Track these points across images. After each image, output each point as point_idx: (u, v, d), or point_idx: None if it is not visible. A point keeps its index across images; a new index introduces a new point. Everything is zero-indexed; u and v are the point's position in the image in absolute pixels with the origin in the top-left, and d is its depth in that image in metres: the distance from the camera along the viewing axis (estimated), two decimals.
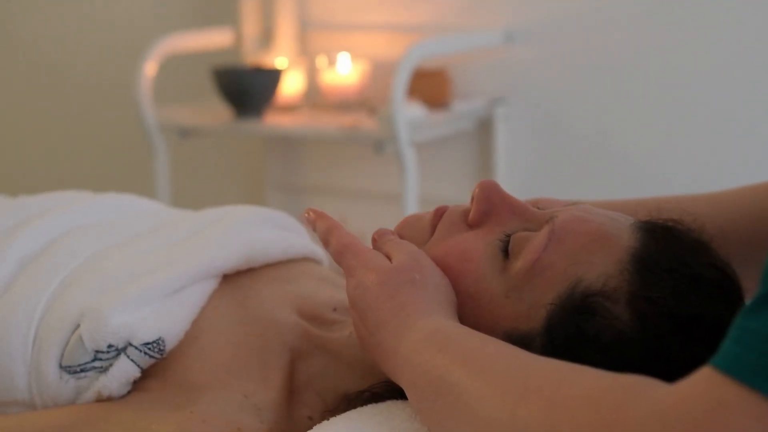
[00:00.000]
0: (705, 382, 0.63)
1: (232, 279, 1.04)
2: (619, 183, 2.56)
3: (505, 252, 0.86)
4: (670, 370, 0.72)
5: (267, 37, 2.87)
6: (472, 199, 0.90)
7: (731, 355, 0.63)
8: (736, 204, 0.97)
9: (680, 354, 0.79)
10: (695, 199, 0.99)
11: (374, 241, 0.92)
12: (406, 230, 0.92)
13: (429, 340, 0.80)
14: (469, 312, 0.85)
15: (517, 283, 0.84)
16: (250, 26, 2.86)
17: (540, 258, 0.84)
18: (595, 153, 2.60)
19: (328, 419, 0.89)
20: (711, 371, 0.63)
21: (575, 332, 0.80)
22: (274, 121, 2.64)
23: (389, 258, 0.88)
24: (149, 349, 0.95)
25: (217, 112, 2.72)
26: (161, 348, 0.96)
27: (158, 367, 0.97)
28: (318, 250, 1.15)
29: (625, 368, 0.74)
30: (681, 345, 0.80)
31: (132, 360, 0.95)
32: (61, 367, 0.96)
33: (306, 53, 2.85)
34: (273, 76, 2.63)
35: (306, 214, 0.94)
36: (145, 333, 0.96)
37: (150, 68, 2.66)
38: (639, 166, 2.55)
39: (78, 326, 0.96)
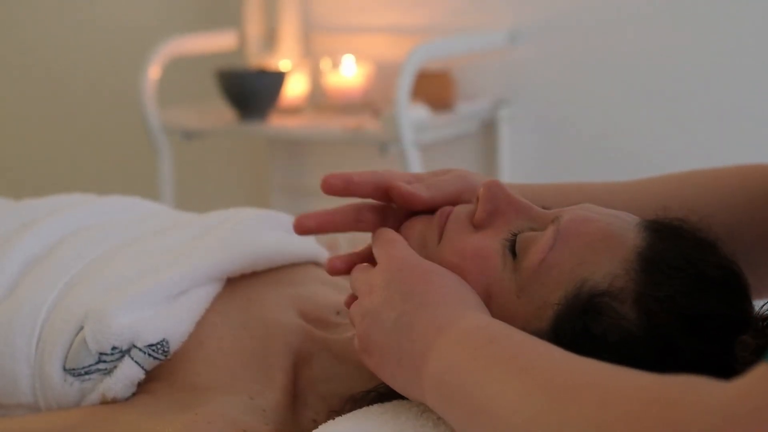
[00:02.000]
0: (764, 380, 0.60)
1: (236, 281, 1.04)
2: None
3: (513, 252, 0.85)
4: (678, 370, 0.72)
5: (271, 40, 2.87)
6: (477, 199, 0.89)
7: None
8: (644, 194, 0.97)
9: (688, 353, 0.79)
10: (608, 188, 0.99)
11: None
12: (413, 232, 0.91)
13: (480, 329, 0.77)
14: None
15: (525, 282, 0.84)
16: (254, 28, 2.86)
17: (546, 258, 0.83)
18: (599, 154, 2.60)
19: (333, 419, 0.89)
20: None
21: (582, 332, 0.80)
22: (278, 123, 2.64)
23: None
24: (153, 350, 0.95)
25: (221, 114, 2.72)
26: (165, 350, 0.96)
27: (162, 369, 0.96)
28: (322, 253, 1.15)
29: (633, 368, 0.73)
30: (688, 344, 0.79)
31: (136, 362, 0.95)
32: (65, 369, 0.96)
33: (310, 55, 2.85)
34: (277, 78, 2.63)
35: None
36: (149, 335, 0.95)
37: (154, 70, 2.66)
38: (644, 167, 2.55)
39: (82, 328, 0.96)
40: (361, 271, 0.88)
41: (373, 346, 0.82)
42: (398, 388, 0.82)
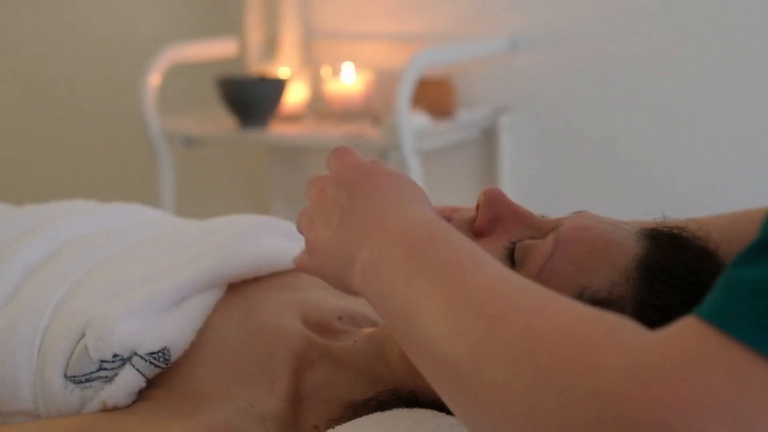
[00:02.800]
0: (687, 334, 0.60)
1: (237, 288, 1.04)
2: (625, 191, 2.56)
3: (512, 259, 0.85)
4: None
5: (271, 47, 2.87)
6: (477, 207, 0.90)
7: (717, 305, 0.60)
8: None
9: None
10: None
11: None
12: None
13: (420, 227, 0.75)
14: None
15: None
16: (255, 36, 2.87)
17: (545, 266, 0.83)
18: (600, 161, 2.60)
19: (333, 428, 0.89)
20: (695, 321, 0.61)
21: None
22: (278, 130, 2.64)
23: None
24: (155, 358, 0.95)
25: (221, 121, 2.72)
26: (167, 357, 0.96)
27: (164, 376, 0.96)
28: None
29: None
30: None
31: (137, 370, 0.95)
32: (65, 376, 0.96)
33: (310, 63, 2.85)
34: (277, 86, 2.63)
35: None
36: (151, 342, 0.95)
37: (155, 78, 2.67)
38: (644, 174, 2.55)
39: (83, 335, 0.96)
40: (314, 180, 0.86)
41: (317, 247, 0.81)
42: (335, 284, 0.81)
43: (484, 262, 0.71)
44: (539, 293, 0.68)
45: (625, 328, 0.64)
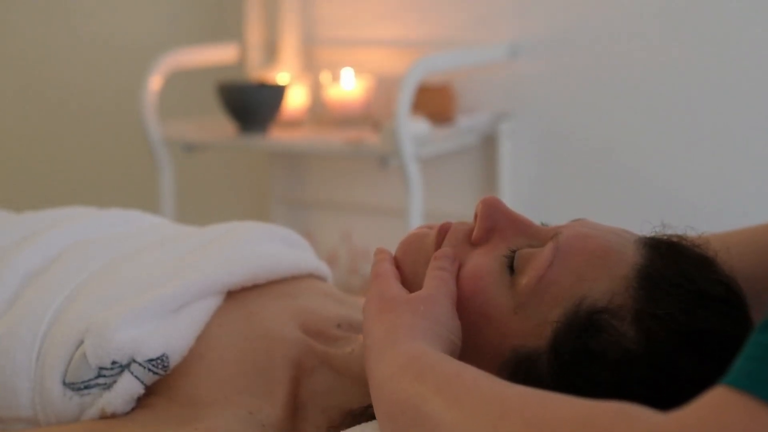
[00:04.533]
0: (713, 399, 0.60)
1: (236, 295, 1.04)
2: (624, 198, 2.56)
3: (511, 268, 0.85)
4: (677, 387, 0.72)
5: (271, 53, 2.88)
6: (476, 216, 0.89)
7: (744, 369, 0.60)
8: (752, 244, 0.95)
9: (687, 370, 0.79)
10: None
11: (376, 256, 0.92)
12: (410, 249, 0.91)
13: (408, 366, 0.78)
14: (480, 330, 0.85)
15: (523, 299, 0.84)
16: (255, 41, 2.87)
17: (545, 275, 0.83)
18: (599, 168, 2.60)
19: None
20: (721, 389, 0.60)
21: (581, 349, 0.80)
22: (278, 136, 2.64)
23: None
24: (153, 365, 0.95)
25: (221, 127, 2.72)
26: (165, 364, 0.96)
27: (162, 383, 0.96)
28: (323, 267, 1.15)
29: (632, 385, 0.73)
30: (688, 361, 0.79)
31: (136, 377, 0.95)
32: (64, 383, 0.96)
33: (310, 68, 2.85)
34: (277, 91, 2.63)
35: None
36: (150, 349, 0.95)
37: (155, 83, 2.67)
38: (644, 181, 2.55)
39: (82, 342, 0.96)
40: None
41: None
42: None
43: (470, 376, 0.75)
44: (534, 393, 0.71)
45: (630, 411, 0.64)
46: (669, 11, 2.49)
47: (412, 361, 0.78)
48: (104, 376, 0.95)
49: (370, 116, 2.70)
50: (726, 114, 2.47)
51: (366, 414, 0.92)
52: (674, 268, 0.83)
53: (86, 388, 0.95)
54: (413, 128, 2.42)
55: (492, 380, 0.74)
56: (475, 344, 0.85)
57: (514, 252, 0.86)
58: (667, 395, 0.77)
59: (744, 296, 0.84)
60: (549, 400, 0.69)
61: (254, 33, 2.87)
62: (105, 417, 0.96)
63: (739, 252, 0.89)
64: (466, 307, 0.85)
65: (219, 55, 2.87)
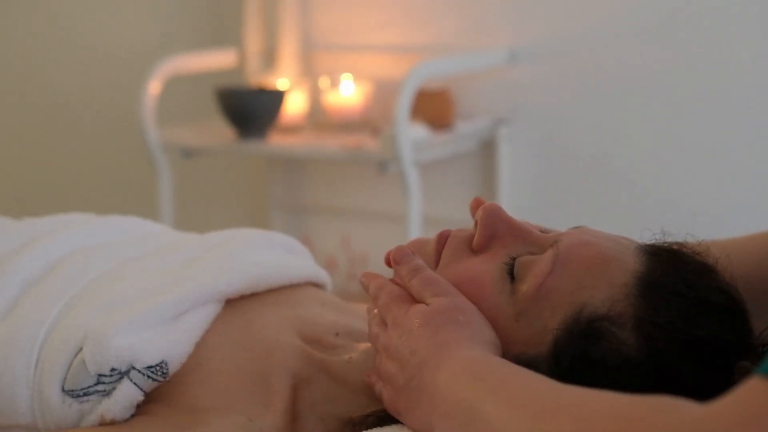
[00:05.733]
0: (747, 391, 0.61)
1: (235, 302, 1.04)
2: (622, 203, 2.56)
3: (512, 275, 0.85)
4: (677, 394, 0.72)
5: (270, 58, 2.88)
6: (476, 223, 0.89)
7: None
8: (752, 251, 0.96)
9: (687, 377, 0.79)
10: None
11: (396, 265, 0.91)
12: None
13: (466, 370, 0.79)
14: None
15: (524, 307, 0.84)
16: (254, 47, 2.87)
17: (545, 282, 0.83)
18: (598, 174, 2.60)
19: None
20: (757, 379, 0.61)
21: (581, 357, 0.80)
22: (277, 141, 2.64)
23: (424, 302, 0.87)
24: (152, 372, 0.95)
25: (220, 132, 2.72)
26: (164, 371, 0.96)
27: (161, 390, 0.96)
28: (322, 274, 1.14)
29: (632, 392, 0.73)
30: (688, 368, 0.79)
31: (135, 383, 0.95)
32: (63, 390, 0.95)
33: (309, 74, 2.85)
34: (276, 97, 2.63)
35: (361, 281, 0.95)
36: (148, 356, 0.95)
37: (154, 88, 2.67)
38: (642, 186, 2.55)
39: (81, 349, 0.96)
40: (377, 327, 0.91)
41: (395, 406, 0.86)
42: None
43: (525, 377, 0.77)
44: (582, 391, 0.72)
45: (670, 403, 0.66)
46: (667, 18, 2.49)
47: (470, 364, 0.79)
48: (103, 383, 0.95)
49: (369, 122, 2.70)
50: (724, 121, 2.47)
51: (365, 423, 0.92)
52: (674, 276, 0.83)
53: (85, 395, 0.95)
54: (412, 134, 2.42)
55: (545, 381, 0.76)
56: None
57: (514, 259, 0.86)
58: None
59: (744, 304, 0.84)
60: (598, 396, 0.71)
61: (253, 38, 2.87)
62: (104, 424, 0.95)
63: (738, 259, 0.89)
64: None
65: (218, 60, 2.87)
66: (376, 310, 0.92)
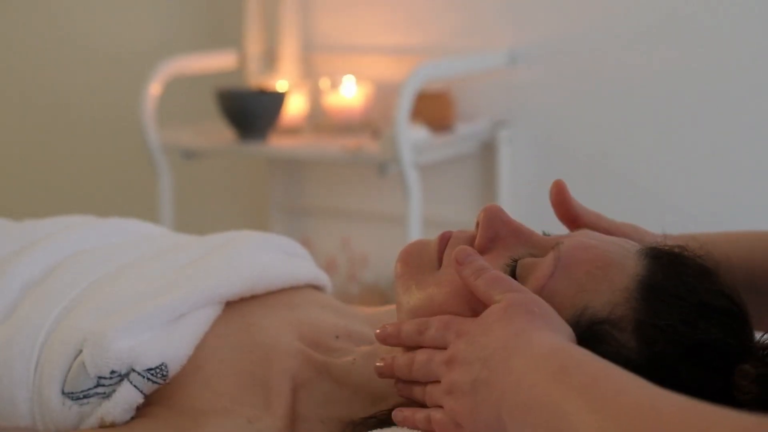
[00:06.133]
0: None
1: (235, 304, 1.04)
2: (622, 205, 2.56)
3: (513, 277, 0.85)
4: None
5: (271, 60, 2.88)
6: (477, 224, 0.89)
7: None
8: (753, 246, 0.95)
9: (688, 380, 0.79)
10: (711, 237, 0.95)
11: (459, 265, 0.85)
12: (413, 258, 0.91)
13: (548, 359, 0.74)
14: None
15: None
16: (254, 48, 2.87)
17: (546, 285, 0.83)
18: (598, 175, 2.60)
19: None
20: None
21: None
22: (277, 143, 2.64)
23: (492, 301, 0.83)
24: (152, 374, 0.95)
25: (220, 133, 2.72)
26: (164, 373, 0.96)
27: (161, 393, 0.96)
28: (322, 276, 1.14)
29: None
30: (688, 371, 0.79)
31: (135, 386, 0.95)
32: (63, 393, 0.95)
33: (309, 75, 2.85)
34: (277, 98, 2.63)
35: (388, 332, 0.90)
36: (148, 358, 0.95)
37: (154, 90, 2.67)
38: (642, 188, 2.55)
39: (80, 351, 0.96)
40: (426, 355, 0.86)
41: (461, 416, 0.81)
42: None
43: (619, 378, 0.71)
44: (690, 405, 0.67)
45: None
46: (666, 19, 2.49)
47: (553, 352, 0.75)
48: (103, 385, 0.95)
49: (369, 123, 2.70)
50: (723, 121, 2.47)
51: (367, 424, 0.91)
52: (675, 279, 0.83)
53: (85, 397, 0.95)
54: (412, 135, 2.42)
55: (642, 385, 0.70)
56: None
57: (515, 261, 0.86)
58: None
59: (745, 307, 0.84)
60: (710, 415, 0.65)
61: (253, 40, 2.87)
62: (104, 426, 0.95)
63: (718, 256, 0.89)
64: (468, 315, 0.85)
65: (218, 61, 2.87)
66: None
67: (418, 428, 0.86)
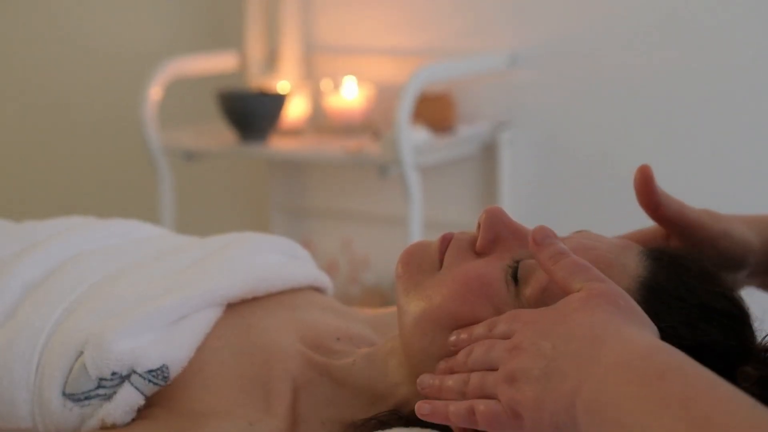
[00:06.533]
0: None
1: (236, 306, 1.04)
2: (624, 207, 2.55)
3: (515, 278, 0.85)
4: None
5: (272, 61, 2.88)
6: (479, 226, 0.89)
7: None
8: None
9: None
10: None
11: (536, 246, 0.81)
12: (414, 259, 0.91)
13: (645, 359, 0.69)
14: None
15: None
16: (255, 50, 2.87)
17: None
18: (599, 177, 2.60)
19: None
20: None
21: None
22: (278, 144, 2.64)
23: (571, 289, 0.79)
24: (153, 376, 0.95)
25: (221, 135, 2.72)
26: (165, 375, 0.96)
27: (162, 394, 0.96)
28: (323, 278, 1.14)
29: None
30: None
31: (136, 387, 0.95)
32: (64, 394, 0.95)
33: (310, 77, 2.86)
34: (278, 100, 2.63)
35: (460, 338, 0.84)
36: (149, 360, 0.95)
37: (155, 91, 2.67)
38: None
39: (81, 353, 0.96)
40: (487, 344, 0.81)
41: (527, 407, 0.75)
42: None
43: (725, 394, 0.65)
44: None
45: None
46: (667, 20, 2.49)
47: (651, 355, 0.70)
48: (104, 387, 0.95)
49: (370, 125, 2.70)
50: (723, 121, 2.47)
51: (368, 425, 0.91)
52: (677, 281, 0.83)
53: (86, 399, 0.95)
54: (413, 137, 2.42)
55: (749, 403, 0.64)
56: None
57: (517, 263, 0.86)
58: None
59: (747, 309, 0.84)
60: None
61: (255, 41, 2.87)
62: (105, 428, 0.95)
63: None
64: (474, 312, 0.85)
65: (219, 63, 2.87)
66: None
67: (449, 422, 0.80)
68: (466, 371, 0.81)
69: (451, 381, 0.82)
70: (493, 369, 0.78)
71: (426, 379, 0.84)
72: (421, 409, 0.82)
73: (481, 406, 0.78)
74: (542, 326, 0.76)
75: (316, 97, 2.80)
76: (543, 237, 0.81)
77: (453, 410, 0.79)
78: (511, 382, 0.76)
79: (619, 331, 0.73)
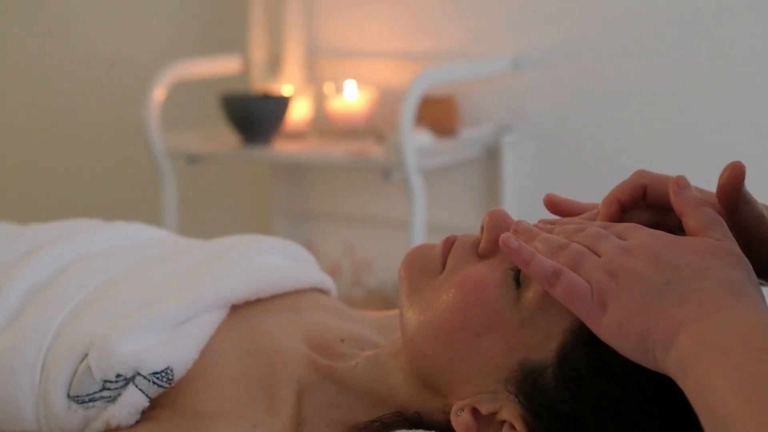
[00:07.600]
0: None
1: (240, 308, 1.04)
2: None
3: (518, 281, 0.85)
4: (683, 404, 0.71)
5: (275, 64, 2.88)
6: (482, 228, 0.89)
7: None
8: None
9: None
10: None
11: (679, 189, 0.81)
12: (416, 262, 0.91)
13: (765, 339, 0.67)
14: (485, 341, 0.85)
15: (530, 312, 0.84)
16: (258, 53, 2.87)
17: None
18: (602, 180, 2.59)
19: None
20: None
21: (587, 362, 0.80)
22: (281, 147, 2.65)
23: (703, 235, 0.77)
24: (158, 378, 0.95)
25: (224, 138, 2.73)
26: (170, 377, 0.96)
27: (167, 396, 0.96)
28: (327, 281, 1.15)
29: (638, 400, 0.73)
30: None
31: (140, 389, 0.95)
32: (69, 396, 0.96)
33: (314, 80, 2.86)
34: (281, 103, 2.64)
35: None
36: (154, 362, 0.95)
37: (158, 95, 2.67)
38: None
39: (86, 355, 0.96)
40: (600, 232, 0.79)
41: (620, 301, 0.74)
42: (628, 349, 0.73)
43: None
44: None
45: None
46: (669, 24, 2.50)
47: (735, 335, 0.69)
48: (109, 389, 0.95)
49: (373, 128, 2.70)
50: (726, 124, 2.48)
51: (371, 427, 0.92)
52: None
53: (91, 401, 0.95)
54: (416, 140, 2.43)
55: None
56: (479, 354, 0.85)
57: None
58: (673, 411, 0.77)
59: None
60: None
61: (258, 45, 2.87)
62: (109, 430, 0.96)
63: None
64: (471, 317, 0.85)
65: (222, 66, 2.87)
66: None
67: (527, 268, 0.78)
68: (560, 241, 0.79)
69: (540, 243, 0.80)
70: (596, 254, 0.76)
71: (509, 237, 0.81)
72: (508, 240, 0.80)
73: (571, 275, 0.76)
74: (674, 248, 0.75)
75: (320, 101, 2.80)
76: (685, 183, 0.83)
77: (538, 261, 0.78)
78: (612, 276, 0.75)
79: (754, 302, 0.71)
